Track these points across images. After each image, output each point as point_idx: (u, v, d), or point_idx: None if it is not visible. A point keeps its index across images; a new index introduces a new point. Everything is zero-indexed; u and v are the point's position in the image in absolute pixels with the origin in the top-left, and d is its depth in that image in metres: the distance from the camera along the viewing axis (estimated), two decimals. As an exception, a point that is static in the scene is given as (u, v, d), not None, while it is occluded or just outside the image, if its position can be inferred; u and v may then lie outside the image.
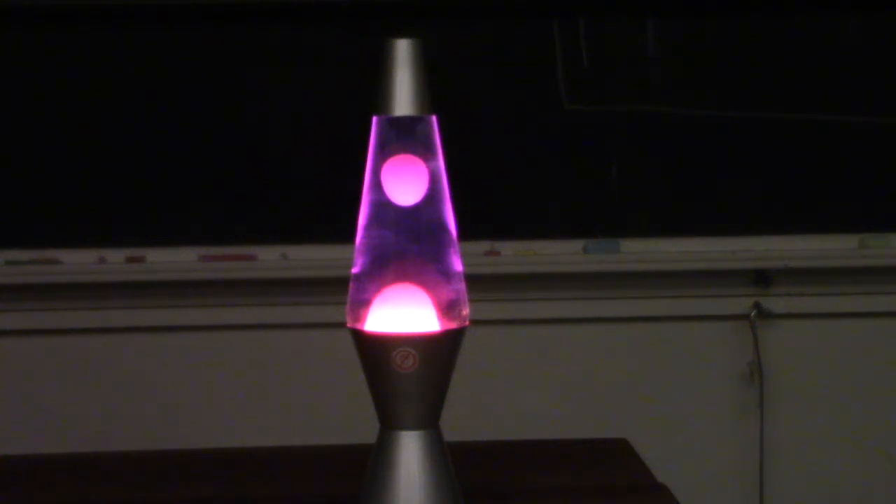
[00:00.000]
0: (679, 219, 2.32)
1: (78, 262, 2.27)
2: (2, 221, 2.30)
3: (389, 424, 1.14)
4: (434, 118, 1.14)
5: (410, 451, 1.13)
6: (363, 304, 1.13)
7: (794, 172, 2.33)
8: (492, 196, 2.30)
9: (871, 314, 2.33)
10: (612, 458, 1.42)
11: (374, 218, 1.13)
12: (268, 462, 1.43)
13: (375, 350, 1.13)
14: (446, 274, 1.13)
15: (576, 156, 2.32)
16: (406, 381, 1.13)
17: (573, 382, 2.32)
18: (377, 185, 1.13)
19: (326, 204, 2.25)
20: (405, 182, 1.13)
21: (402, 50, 1.12)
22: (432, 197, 1.14)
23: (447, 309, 1.13)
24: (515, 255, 2.29)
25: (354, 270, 1.14)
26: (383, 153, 1.13)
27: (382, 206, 1.13)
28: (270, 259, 2.28)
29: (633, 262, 2.30)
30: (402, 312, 1.13)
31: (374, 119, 1.13)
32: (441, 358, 1.14)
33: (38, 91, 2.29)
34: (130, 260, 2.27)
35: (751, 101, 2.32)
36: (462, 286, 1.14)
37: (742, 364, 2.32)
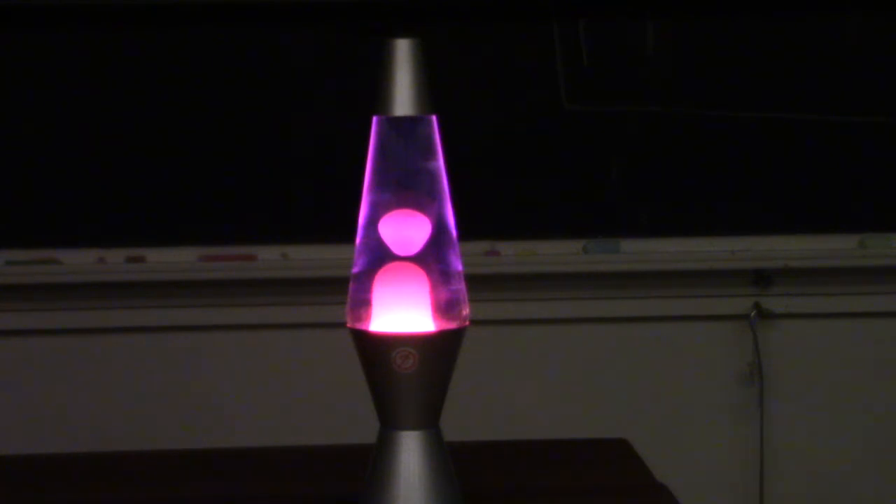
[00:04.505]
0: (679, 219, 2.32)
1: (78, 262, 2.27)
2: (2, 221, 2.30)
3: (389, 424, 1.14)
4: (434, 118, 1.14)
5: (410, 451, 1.13)
6: (363, 304, 1.13)
7: (795, 172, 2.33)
8: (492, 196, 2.30)
9: (871, 314, 2.33)
10: (612, 458, 1.42)
11: (375, 218, 1.13)
12: (268, 462, 1.43)
13: (375, 350, 1.13)
14: (446, 274, 1.13)
15: (576, 156, 2.32)
16: (406, 381, 1.13)
17: (573, 382, 2.32)
18: (376, 191, 1.13)
19: (326, 204, 2.25)
20: (405, 235, 1.13)
21: (402, 50, 1.12)
22: (433, 199, 1.14)
23: (447, 309, 1.13)
24: (515, 255, 2.29)
25: (354, 270, 1.14)
26: (381, 207, 1.13)
27: (382, 208, 1.13)
28: (270, 259, 2.28)
29: (633, 262, 2.30)
30: (403, 312, 1.13)
31: (374, 119, 1.13)
32: (441, 358, 1.14)
33: (38, 91, 2.29)
34: (130, 260, 2.27)
35: (751, 101, 2.32)
36: (462, 286, 1.14)
37: (742, 364, 2.32)
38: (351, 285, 1.14)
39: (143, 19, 2.26)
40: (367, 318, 1.13)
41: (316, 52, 2.29)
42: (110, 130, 2.30)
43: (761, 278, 2.31)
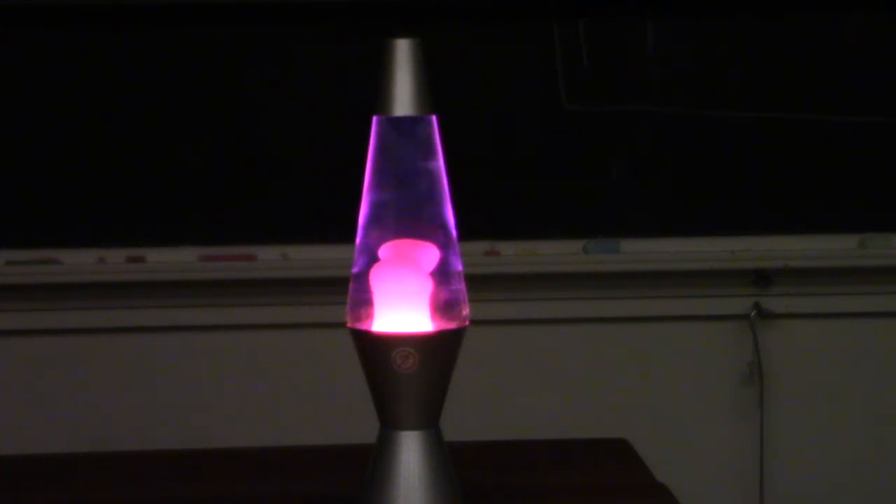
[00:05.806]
0: (679, 219, 2.32)
1: (78, 262, 2.27)
2: (2, 221, 2.30)
3: (389, 424, 1.14)
4: (434, 118, 1.14)
5: (410, 451, 1.13)
6: (363, 304, 1.13)
7: (795, 172, 2.33)
8: (492, 196, 2.30)
9: (871, 314, 2.33)
10: (612, 458, 1.42)
11: (374, 218, 1.13)
12: (268, 462, 1.43)
13: (375, 350, 1.13)
14: (446, 274, 1.13)
15: (576, 156, 2.32)
16: (406, 381, 1.13)
17: (573, 382, 2.32)
18: (376, 191, 1.13)
19: (326, 204, 2.25)
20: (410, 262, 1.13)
21: (402, 50, 1.12)
22: (433, 199, 1.14)
23: (447, 309, 1.13)
24: (515, 255, 2.29)
25: (354, 270, 1.14)
26: (381, 209, 1.13)
27: (383, 206, 1.13)
28: (270, 259, 2.28)
29: (633, 262, 2.30)
30: (403, 312, 1.13)
31: (374, 119, 1.13)
32: (441, 358, 1.14)
33: (38, 91, 2.29)
34: (130, 260, 2.27)
35: (751, 101, 2.32)
36: (462, 286, 1.14)
37: (742, 364, 2.32)
38: (351, 285, 1.14)
39: (144, 19, 2.26)
40: (368, 318, 1.13)
41: (316, 52, 2.29)
42: (110, 130, 2.30)
43: (761, 278, 2.31)
